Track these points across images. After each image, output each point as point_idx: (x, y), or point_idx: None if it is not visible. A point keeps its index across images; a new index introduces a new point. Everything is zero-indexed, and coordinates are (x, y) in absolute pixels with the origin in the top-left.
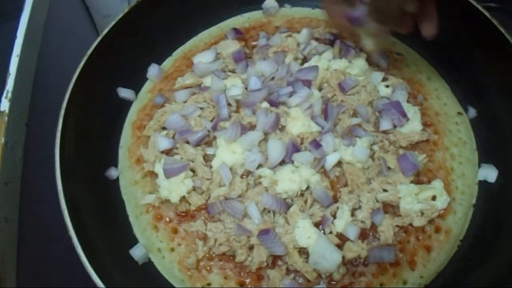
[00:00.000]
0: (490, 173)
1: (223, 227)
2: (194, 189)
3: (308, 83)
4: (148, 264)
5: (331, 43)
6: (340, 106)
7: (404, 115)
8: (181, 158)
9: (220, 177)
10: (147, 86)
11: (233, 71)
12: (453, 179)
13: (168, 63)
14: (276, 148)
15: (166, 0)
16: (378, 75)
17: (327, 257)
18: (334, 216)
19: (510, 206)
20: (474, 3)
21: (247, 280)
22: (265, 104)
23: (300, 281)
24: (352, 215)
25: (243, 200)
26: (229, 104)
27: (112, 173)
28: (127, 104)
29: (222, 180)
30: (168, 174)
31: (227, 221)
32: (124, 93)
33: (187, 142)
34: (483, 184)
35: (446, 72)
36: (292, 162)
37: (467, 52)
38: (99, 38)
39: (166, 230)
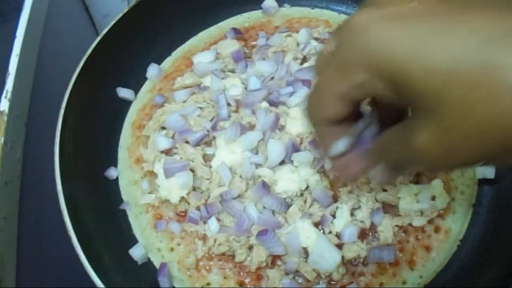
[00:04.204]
0: (488, 170)
1: None
2: (193, 189)
3: (307, 83)
4: (148, 264)
5: None
6: None
7: None
8: (181, 158)
9: (220, 177)
10: (146, 86)
11: (232, 71)
12: (453, 179)
13: (167, 63)
14: (276, 148)
15: (166, 0)
16: None
17: (327, 257)
18: (334, 216)
19: (510, 206)
20: None
21: (247, 280)
22: (265, 104)
23: (299, 281)
24: (352, 215)
25: (243, 200)
26: (228, 104)
27: (112, 173)
28: (127, 104)
29: (222, 180)
30: (168, 173)
31: (227, 221)
32: (124, 93)
33: (187, 142)
34: (482, 183)
35: None
36: (292, 162)
37: None
38: (99, 38)
39: (166, 230)
